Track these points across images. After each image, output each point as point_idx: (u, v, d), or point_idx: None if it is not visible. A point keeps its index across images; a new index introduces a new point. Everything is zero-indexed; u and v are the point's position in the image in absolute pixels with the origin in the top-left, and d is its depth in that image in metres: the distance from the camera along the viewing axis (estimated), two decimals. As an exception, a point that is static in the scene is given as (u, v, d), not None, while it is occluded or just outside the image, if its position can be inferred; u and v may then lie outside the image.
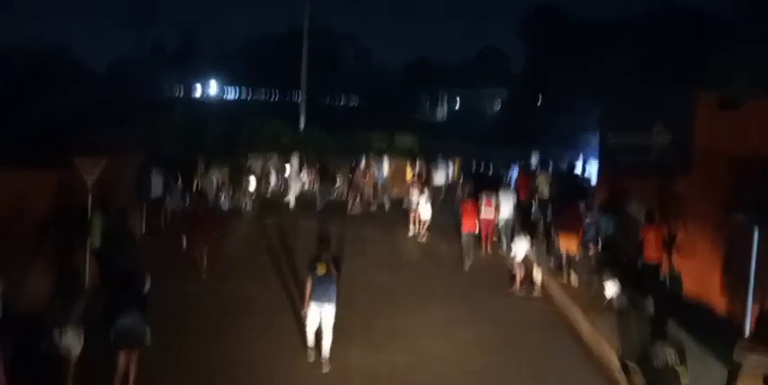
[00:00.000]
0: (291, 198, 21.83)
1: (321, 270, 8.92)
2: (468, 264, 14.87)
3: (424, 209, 17.48)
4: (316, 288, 8.97)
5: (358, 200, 21.72)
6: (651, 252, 11.73)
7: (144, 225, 15.66)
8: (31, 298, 8.44)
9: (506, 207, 16.16)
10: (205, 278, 12.27)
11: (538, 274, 12.95)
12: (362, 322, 10.61)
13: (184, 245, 13.23)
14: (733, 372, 6.99)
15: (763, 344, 6.86)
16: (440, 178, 22.91)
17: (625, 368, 8.12)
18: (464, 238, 15.24)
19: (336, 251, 9.93)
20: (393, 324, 10.83)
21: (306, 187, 23.59)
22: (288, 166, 24.25)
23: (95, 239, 11.33)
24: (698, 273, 11.37)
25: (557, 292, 12.90)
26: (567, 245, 13.46)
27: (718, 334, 9.77)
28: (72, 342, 7.30)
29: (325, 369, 8.86)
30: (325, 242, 9.44)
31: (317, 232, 11.29)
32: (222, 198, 19.99)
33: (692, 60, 26.14)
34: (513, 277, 13.09)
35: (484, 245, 16.03)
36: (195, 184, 18.04)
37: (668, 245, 11.91)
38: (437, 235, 17.51)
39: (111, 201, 11.97)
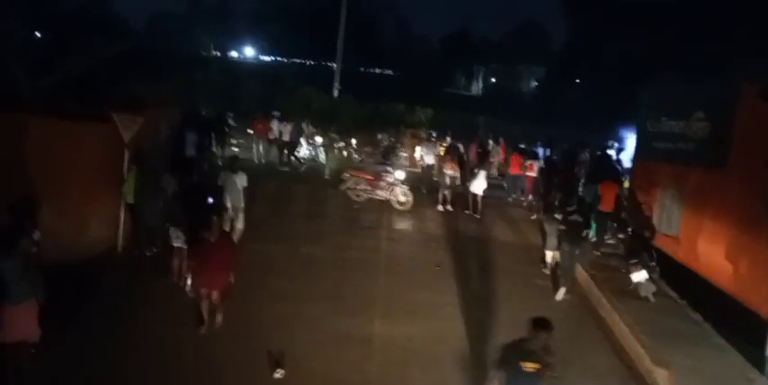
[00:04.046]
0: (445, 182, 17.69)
1: (530, 366, 6.00)
2: (513, 196, 19.88)
3: (478, 184, 17.16)
4: None
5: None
6: (606, 205, 14.54)
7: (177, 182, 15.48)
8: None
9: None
10: (205, 333, 8.95)
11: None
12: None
13: (188, 287, 9.88)
14: None
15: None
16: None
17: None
18: (510, 178, 20.01)
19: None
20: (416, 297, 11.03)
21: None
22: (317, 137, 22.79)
23: (129, 195, 11.52)
24: (729, 266, 11.25)
25: (585, 280, 12.79)
26: None
27: (742, 327, 9.76)
28: (180, 237, 10.25)
29: None
30: (544, 325, 6.07)
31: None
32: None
33: (737, 47, 25.47)
34: (542, 257, 13.24)
35: (527, 197, 19.29)
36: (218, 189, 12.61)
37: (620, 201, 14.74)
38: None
39: (145, 157, 12.03)
